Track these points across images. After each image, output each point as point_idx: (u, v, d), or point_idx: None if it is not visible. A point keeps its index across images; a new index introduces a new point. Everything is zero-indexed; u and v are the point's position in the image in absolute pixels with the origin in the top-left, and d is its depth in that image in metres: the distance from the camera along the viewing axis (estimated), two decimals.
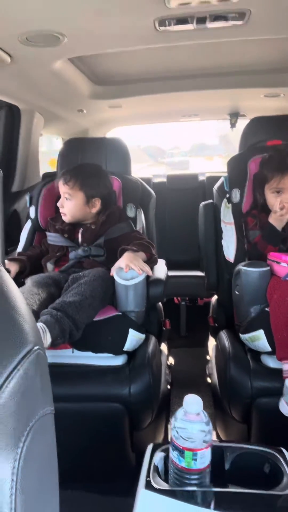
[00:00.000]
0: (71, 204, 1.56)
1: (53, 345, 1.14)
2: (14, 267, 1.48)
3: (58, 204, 1.58)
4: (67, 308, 1.19)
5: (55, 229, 1.62)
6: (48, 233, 1.64)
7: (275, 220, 1.43)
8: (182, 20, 1.16)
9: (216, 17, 1.17)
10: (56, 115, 2.15)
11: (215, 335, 1.63)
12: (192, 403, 0.75)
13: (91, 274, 1.31)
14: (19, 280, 1.39)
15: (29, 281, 1.33)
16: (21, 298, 0.51)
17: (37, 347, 0.47)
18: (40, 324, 1.11)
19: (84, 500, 1.33)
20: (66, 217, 1.57)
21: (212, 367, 1.67)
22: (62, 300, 1.22)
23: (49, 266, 1.55)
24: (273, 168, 1.45)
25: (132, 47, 1.37)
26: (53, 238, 1.60)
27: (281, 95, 2.13)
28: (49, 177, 1.85)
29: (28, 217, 1.79)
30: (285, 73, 1.94)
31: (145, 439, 1.39)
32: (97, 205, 1.57)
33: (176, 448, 0.74)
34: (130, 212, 1.70)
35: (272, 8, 1.11)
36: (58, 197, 1.80)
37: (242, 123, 2.41)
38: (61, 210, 1.57)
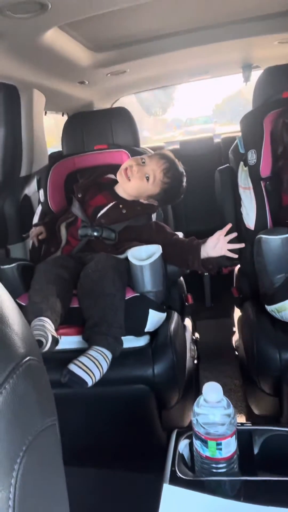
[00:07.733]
0: None
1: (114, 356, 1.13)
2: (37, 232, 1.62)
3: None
4: (106, 317, 1.15)
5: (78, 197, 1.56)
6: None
7: None
8: None
9: None
10: (57, 91, 2.04)
11: (240, 306, 1.57)
12: (212, 391, 0.70)
13: (100, 266, 1.25)
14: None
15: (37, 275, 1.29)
16: (10, 303, 0.47)
17: (27, 358, 0.43)
18: (96, 349, 1.10)
19: (121, 477, 1.36)
20: None
21: (239, 340, 1.62)
22: (94, 309, 1.17)
23: (63, 231, 1.54)
24: None
25: (124, 4, 1.25)
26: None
27: None
28: (56, 157, 1.79)
29: (39, 201, 1.75)
30: None
31: (175, 417, 1.38)
32: None
33: (198, 437, 0.71)
34: None
35: None
36: (67, 177, 1.75)
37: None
38: None
